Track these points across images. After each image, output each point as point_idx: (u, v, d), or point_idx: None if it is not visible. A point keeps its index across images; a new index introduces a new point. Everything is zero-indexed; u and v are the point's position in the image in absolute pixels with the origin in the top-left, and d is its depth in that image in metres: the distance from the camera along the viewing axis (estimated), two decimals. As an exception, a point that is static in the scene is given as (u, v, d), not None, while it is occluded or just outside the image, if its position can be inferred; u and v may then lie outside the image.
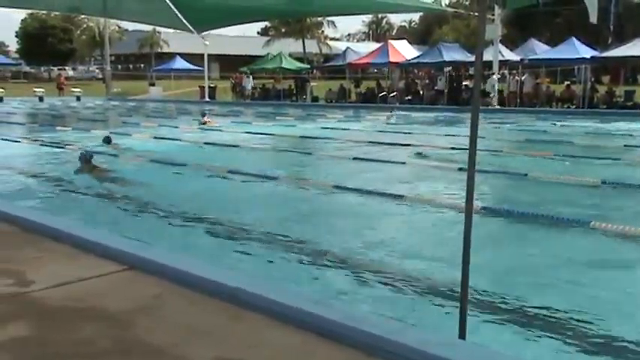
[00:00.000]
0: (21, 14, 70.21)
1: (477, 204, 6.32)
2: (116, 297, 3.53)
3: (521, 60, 27.99)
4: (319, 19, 58.59)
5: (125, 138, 15.40)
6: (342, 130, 17.36)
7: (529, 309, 4.26)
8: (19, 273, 3.91)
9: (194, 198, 8.17)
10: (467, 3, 65.84)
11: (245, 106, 33.12)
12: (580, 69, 28.14)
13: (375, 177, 9.60)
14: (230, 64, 53.45)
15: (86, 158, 9.83)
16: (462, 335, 3.02)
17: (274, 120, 22.43)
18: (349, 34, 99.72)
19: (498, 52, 25.49)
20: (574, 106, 26.53)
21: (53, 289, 3.63)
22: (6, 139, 14.72)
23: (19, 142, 14.46)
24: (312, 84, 37.86)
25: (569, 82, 29.41)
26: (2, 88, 40.89)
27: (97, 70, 68.84)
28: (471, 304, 3.41)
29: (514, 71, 29.60)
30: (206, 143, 14.23)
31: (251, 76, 39.53)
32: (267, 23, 67.55)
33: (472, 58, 27.36)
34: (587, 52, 26.42)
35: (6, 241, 4.74)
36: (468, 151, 3.13)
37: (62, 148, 13.29)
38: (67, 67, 70.73)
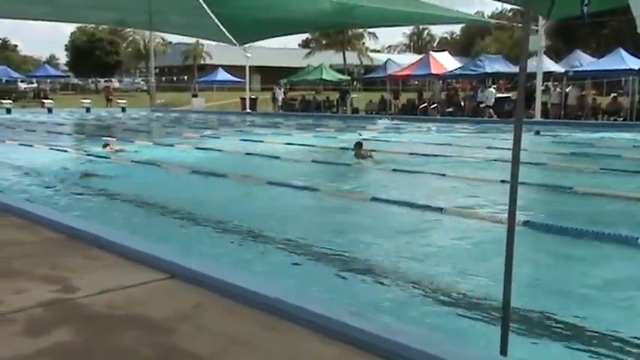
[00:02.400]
0: (70, 28, 72.69)
1: (520, 218, 6.22)
2: (157, 305, 3.59)
3: (566, 72, 27.51)
4: (360, 30, 58.79)
5: (167, 148, 15.79)
6: (382, 142, 17.30)
7: (569, 327, 4.15)
8: (65, 279, 4.01)
9: (234, 207, 8.25)
10: (510, 14, 65.10)
11: (285, 117, 33.40)
12: (627, 80, 27.47)
13: (414, 189, 9.53)
14: (271, 75, 54.05)
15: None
16: (503, 351, 2.97)
17: (314, 131, 22.52)
18: (390, 46, 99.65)
19: (542, 64, 25.14)
20: (621, 119, 25.90)
21: (97, 297, 3.71)
22: (56, 149, 15.15)
23: (67, 151, 14.87)
24: (352, 95, 37.97)
25: (615, 94, 28.73)
26: (52, 99, 42.33)
27: (141, 82, 70.45)
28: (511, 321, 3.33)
29: (556, 83, 29.16)
30: (247, 154, 14.39)
31: (282, 88, 40.01)
32: (308, 35, 68.18)
33: (515, 70, 27.13)
34: (634, 63, 25.74)
35: (54, 248, 4.87)
36: (505, 161, 3.09)
37: (108, 158, 13.60)
38: (113, 79, 72.69)
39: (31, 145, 15.99)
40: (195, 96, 45.59)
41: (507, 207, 3.14)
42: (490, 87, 29.55)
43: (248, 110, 37.73)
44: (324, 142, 17.19)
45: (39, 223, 5.57)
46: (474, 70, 30.38)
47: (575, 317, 4.29)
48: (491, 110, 28.38)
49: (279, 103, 39.07)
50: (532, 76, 23.97)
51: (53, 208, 7.35)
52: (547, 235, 6.56)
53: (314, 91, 42.32)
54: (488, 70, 29.33)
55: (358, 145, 13.09)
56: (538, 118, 25.00)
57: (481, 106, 28.62)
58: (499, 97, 30.66)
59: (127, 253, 4.54)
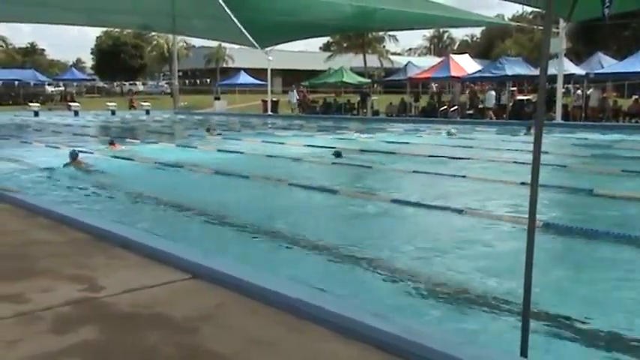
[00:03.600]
0: (96, 32, 73.66)
1: (539, 220, 6.20)
2: (180, 305, 3.65)
3: (587, 74, 27.23)
4: (381, 33, 58.68)
5: (190, 149, 15.96)
6: (403, 144, 17.29)
7: (589, 330, 4.13)
8: (90, 279, 4.09)
9: (255, 209, 8.31)
10: (530, 16, 64.52)
11: (306, 119, 33.50)
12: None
13: (434, 190, 9.51)
14: (292, 78, 54.27)
15: (73, 155, 12.13)
16: (523, 353, 2.97)
17: (335, 133, 22.57)
18: (410, 49, 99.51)
19: (563, 66, 24.92)
20: (643, 121, 25.58)
21: (121, 296, 3.79)
22: (81, 151, 15.36)
23: (92, 153, 15.07)
24: (373, 98, 37.99)
25: (637, 97, 28.38)
26: (78, 102, 43.01)
27: (165, 85, 71.21)
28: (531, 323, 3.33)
29: (577, 85, 28.92)
30: (268, 156, 14.48)
31: (295, 91, 40.30)
32: (329, 38, 68.22)
33: (535, 72, 26.92)
34: (656, 66, 25.38)
35: (80, 248, 4.97)
36: (527, 164, 3.09)
37: (132, 160, 13.77)
38: (137, 82, 73.54)
39: (57, 147, 16.24)
40: (217, 99, 45.91)
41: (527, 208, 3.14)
42: (490, 90, 30.82)
43: (269, 112, 37.94)
44: (345, 145, 17.21)
45: (65, 223, 5.68)
46: (494, 73, 30.25)
47: (587, 318, 4.27)
48: (491, 112, 29.43)
49: (294, 106, 39.38)
50: (552, 78, 23.78)
51: (79, 208, 7.48)
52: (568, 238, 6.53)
53: (334, 93, 42.43)
54: (509, 72, 29.17)
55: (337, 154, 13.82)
56: (559, 120, 24.77)
57: (480, 106, 29.06)
58: (519, 100, 30.54)
59: (150, 253, 4.62)
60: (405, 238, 6.79)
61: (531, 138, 3.09)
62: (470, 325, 4.28)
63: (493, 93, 30.64)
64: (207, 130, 21.36)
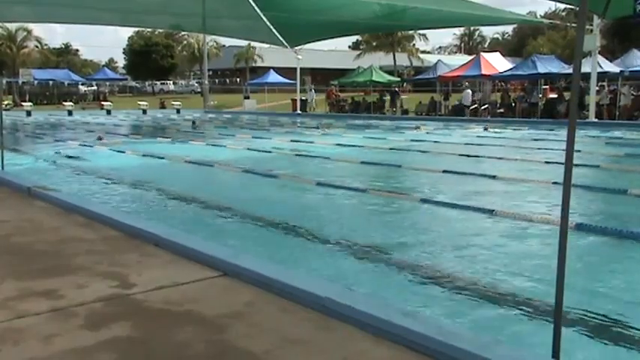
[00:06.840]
0: (128, 32, 74.90)
1: (572, 220, 6.11)
2: (211, 302, 3.69)
3: (621, 72, 26.67)
4: (410, 32, 58.38)
5: (220, 149, 16.09)
6: (432, 143, 17.17)
7: (624, 334, 4.06)
8: (122, 276, 4.17)
9: (284, 208, 8.34)
10: (563, 14, 63.47)
11: (336, 118, 33.49)
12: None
13: (464, 190, 9.43)
14: (321, 77, 54.34)
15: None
16: (555, 355, 2.93)
17: (364, 132, 22.52)
18: (440, 47, 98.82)
19: (597, 64, 24.45)
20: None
21: (152, 293, 3.84)
22: (114, 150, 15.62)
23: (124, 152, 15.29)
24: (402, 97, 37.79)
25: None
26: (110, 101, 43.79)
27: (195, 84, 71.97)
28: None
29: (609, 83, 28.38)
30: (297, 155, 14.52)
31: (313, 90, 40.30)
32: (358, 37, 68.11)
33: (569, 70, 26.46)
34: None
35: (113, 245, 5.06)
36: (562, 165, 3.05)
37: (162, 158, 13.94)
38: (168, 82, 74.49)
39: (91, 146, 16.53)
40: (247, 98, 46.22)
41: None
42: (467, 88, 32.71)
43: (298, 111, 38.05)
44: (374, 143, 17.16)
45: (100, 221, 5.79)
46: (526, 71, 29.84)
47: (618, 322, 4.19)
48: (468, 110, 30.34)
49: (314, 105, 39.43)
50: (586, 76, 23.35)
51: (112, 206, 7.60)
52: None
53: (363, 92, 42.36)
54: (541, 70, 28.75)
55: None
56: (592, 119, 24.30)
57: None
58: (551, 98, 30.08)
59: (181, 251, 4.68)
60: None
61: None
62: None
63: (469, 92, 32.05)
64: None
